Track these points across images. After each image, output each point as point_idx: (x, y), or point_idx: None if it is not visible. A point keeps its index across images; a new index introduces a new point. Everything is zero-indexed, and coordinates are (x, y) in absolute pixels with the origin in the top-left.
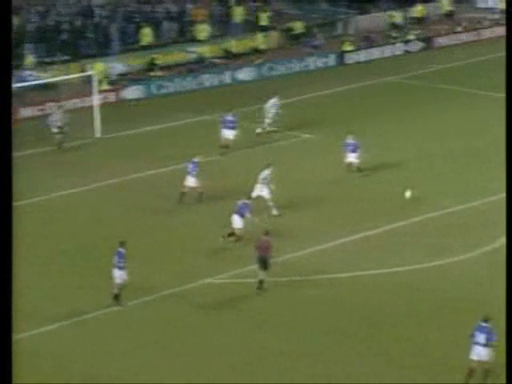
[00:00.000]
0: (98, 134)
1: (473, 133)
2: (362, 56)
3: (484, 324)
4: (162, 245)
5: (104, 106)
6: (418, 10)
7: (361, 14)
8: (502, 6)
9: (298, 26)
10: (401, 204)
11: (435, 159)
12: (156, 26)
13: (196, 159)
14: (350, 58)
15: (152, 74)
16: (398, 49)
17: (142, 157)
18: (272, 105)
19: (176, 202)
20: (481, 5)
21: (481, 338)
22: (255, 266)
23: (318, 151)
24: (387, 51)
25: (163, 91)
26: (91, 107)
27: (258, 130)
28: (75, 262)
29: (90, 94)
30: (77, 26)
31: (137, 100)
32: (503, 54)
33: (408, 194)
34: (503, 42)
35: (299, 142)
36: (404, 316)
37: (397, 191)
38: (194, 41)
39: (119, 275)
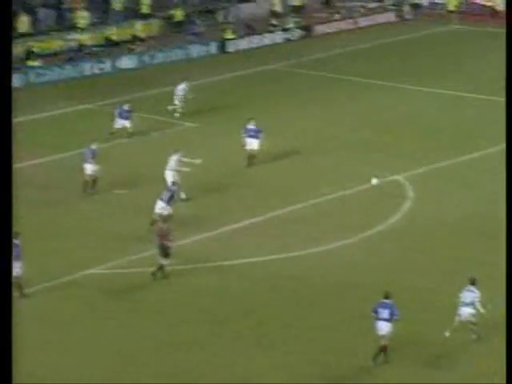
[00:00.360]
0: None
1: (353, 120)
2: (244, 44)
3: (386, 301)
4: (47, 236)
5: None
6: None
7: (241, 2)
8: None
9: (179, 14)
10: (283, 192)
11: (317, 147)
12: (33, 13)
13: (93, 146)
14: (232, 46)
15: (30, 62)
16: (279, 37)
17: (22, 147)
18: (180, 89)
19: (61, 192)
20: None
21: (385, 313)
22: (155, 253)
23: (201, 140)
24: (267, 39)
25: (42, 80)
26: None
27: (170, 107)
28: None
29: None
30: None
31: (14, 89)
32: (379, 41)
33: (374, 181)
34: (379, 30)
35: (182, 131)
36: (287, 303)
37: (280, 179)
38: (74, 28)
39: (13, 267)
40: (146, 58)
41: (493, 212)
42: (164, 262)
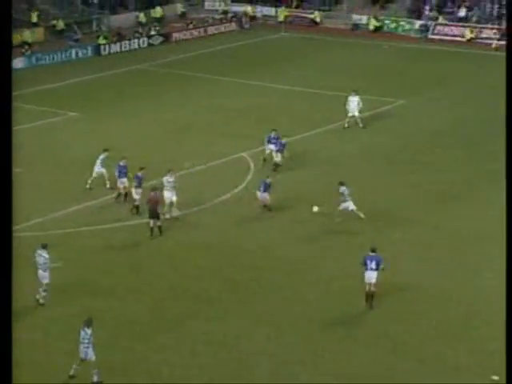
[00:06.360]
0: None
1: (207, 108)
2: (115, 48)
3: (373, 254)
4: None
5: None
6: (157, 11)
7: (112, 14)
8: (223, 7)
9: (61, 24)
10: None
11: (177, 128)
12: None
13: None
14: (105, 50)
15: None
16: (143, 42)
17: None
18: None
19: None
20: (208, 7)
21: (373, 264)
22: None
23: (85, 127)
24: (134, 44)
25: None
26: None
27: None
28: None
29: None
30: None
31: None
32: (224, 46)
33: (315, 208)
34: (224, 37)
35: (68, 119)
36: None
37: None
38: None
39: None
40: (33, 60)
41: None
42: (152, 223)
